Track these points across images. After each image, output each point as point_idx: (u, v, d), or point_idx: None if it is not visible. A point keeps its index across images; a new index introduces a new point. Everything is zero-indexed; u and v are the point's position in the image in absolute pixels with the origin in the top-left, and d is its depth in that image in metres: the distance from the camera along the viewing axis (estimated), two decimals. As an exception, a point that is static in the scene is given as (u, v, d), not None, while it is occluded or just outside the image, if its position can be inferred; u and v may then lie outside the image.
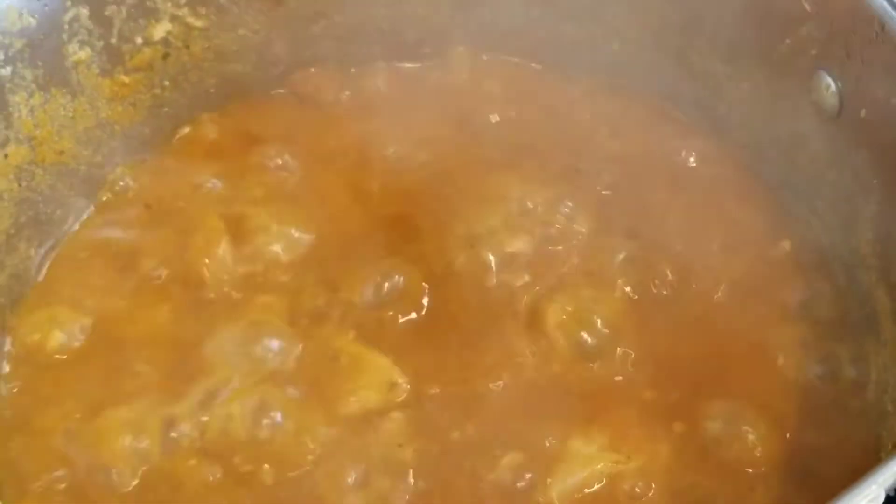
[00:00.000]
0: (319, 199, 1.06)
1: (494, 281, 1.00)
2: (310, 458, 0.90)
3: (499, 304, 0.99)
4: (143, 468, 0.90)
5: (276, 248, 1.02)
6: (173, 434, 0.91)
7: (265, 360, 0.95)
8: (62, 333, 0.98)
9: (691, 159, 1.10)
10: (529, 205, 1.05)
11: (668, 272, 1.01)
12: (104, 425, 0.92)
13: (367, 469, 0.90)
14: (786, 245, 1.03)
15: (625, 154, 1.10)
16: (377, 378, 0.94)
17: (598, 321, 0.97)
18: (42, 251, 1.03)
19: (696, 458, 0.91)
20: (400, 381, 0.93)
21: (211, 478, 0.89)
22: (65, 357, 0.98)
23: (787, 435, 0.92)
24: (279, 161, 1.09)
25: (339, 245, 1.03)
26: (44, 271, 1.03)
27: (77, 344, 0.98)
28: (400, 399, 0.93)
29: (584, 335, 0.96)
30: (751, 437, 0.91)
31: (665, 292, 1.00)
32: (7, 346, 0.98)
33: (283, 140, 1.11)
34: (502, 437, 0.91)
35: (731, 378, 0.95)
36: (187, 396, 0.93)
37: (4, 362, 0.97)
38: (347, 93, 1.15)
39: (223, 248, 1.01)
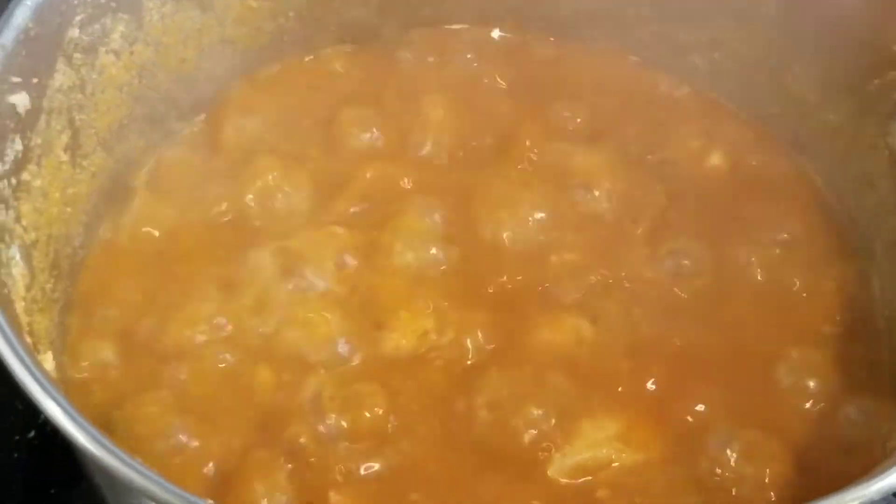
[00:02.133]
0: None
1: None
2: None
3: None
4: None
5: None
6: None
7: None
8: (155, 223, 1.08)
9: (769, 175, 1.13)
10: (596, 193, 1.10)
11: (709, 274, 1.05)
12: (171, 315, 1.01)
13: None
14: (834, 277, 1.05)
15: (694, 154, 1.14)
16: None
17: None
18: (151, 146, 1.12)
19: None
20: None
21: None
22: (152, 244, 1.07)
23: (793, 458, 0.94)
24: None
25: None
26: (150, 163, 1.12)
27: (162, 235, 1.07)
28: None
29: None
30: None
31: (701, 292, 1.04)
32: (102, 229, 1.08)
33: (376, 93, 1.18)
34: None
35: (741, 394, 0.98)
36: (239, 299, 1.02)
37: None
38: (448, 54, 1.21)
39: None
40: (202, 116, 1.16)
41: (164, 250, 1.06)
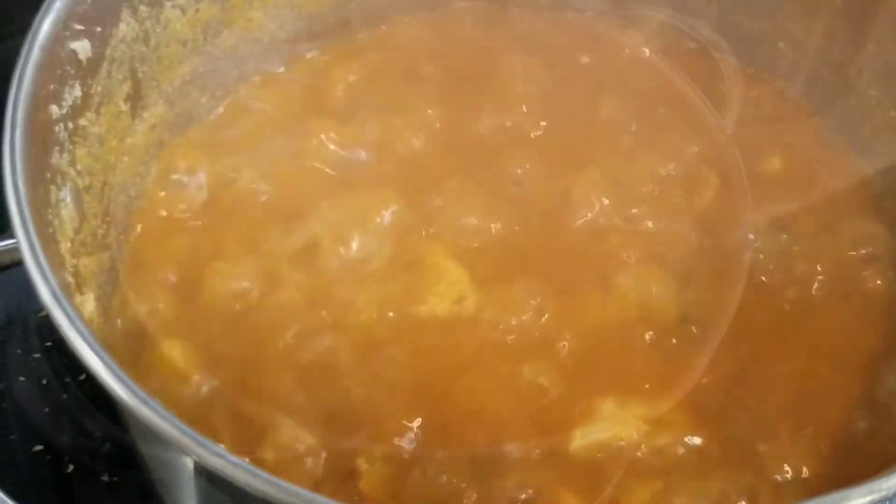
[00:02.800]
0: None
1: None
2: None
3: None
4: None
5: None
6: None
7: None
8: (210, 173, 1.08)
9: (827, 170, 1.11)
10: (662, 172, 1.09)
11: (771, 267, 1.03)
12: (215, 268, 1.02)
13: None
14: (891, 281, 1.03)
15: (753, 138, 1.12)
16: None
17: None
18: (213, 102, 1.13)
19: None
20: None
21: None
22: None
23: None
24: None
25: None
26: (212, 118, 1.13)
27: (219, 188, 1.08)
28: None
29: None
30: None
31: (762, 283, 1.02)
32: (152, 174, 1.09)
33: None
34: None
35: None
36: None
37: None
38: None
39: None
40: (265, 77, 1.17)
41: (219, 203, 1.07)
